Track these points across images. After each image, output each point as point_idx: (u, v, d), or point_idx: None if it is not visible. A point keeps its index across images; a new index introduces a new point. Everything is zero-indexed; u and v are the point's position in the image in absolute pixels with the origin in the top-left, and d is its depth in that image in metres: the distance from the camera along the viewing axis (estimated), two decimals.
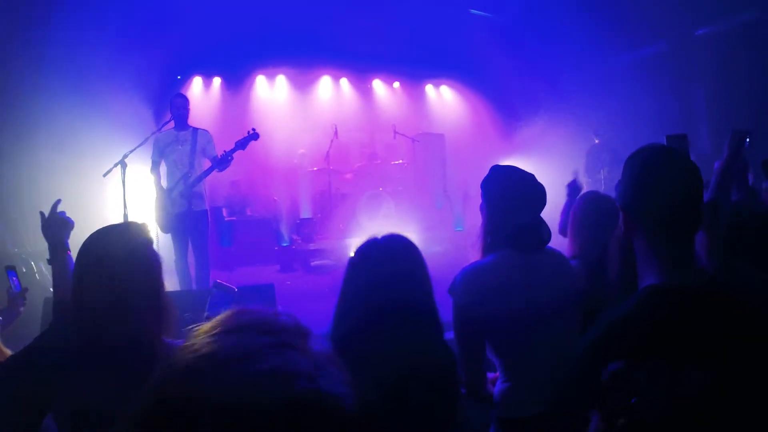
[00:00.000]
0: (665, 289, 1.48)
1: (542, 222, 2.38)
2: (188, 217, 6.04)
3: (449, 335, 2.08)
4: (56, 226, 2.37)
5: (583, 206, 2.99)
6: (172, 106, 6.22)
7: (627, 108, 9.89)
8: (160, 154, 6.18)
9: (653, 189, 1.55)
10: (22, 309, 2.82)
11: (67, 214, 2.38)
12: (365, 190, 9.55)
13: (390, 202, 9.45)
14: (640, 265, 1.58)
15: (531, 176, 2.42)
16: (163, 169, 6.26)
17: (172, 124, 6.20)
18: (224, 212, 9.98)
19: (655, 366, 1.37)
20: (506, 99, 12.30)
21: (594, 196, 3.12)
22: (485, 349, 2.34)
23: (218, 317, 0.71)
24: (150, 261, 1.80)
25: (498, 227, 2.36)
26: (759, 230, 2.19)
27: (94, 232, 1.83)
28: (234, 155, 6.01)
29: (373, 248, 2.06)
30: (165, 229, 6.13)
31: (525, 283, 2.26)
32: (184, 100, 6.29)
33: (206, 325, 0.70)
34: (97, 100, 7.60)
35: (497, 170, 2.48)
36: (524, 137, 11.63)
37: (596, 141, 10.39)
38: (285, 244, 9.81)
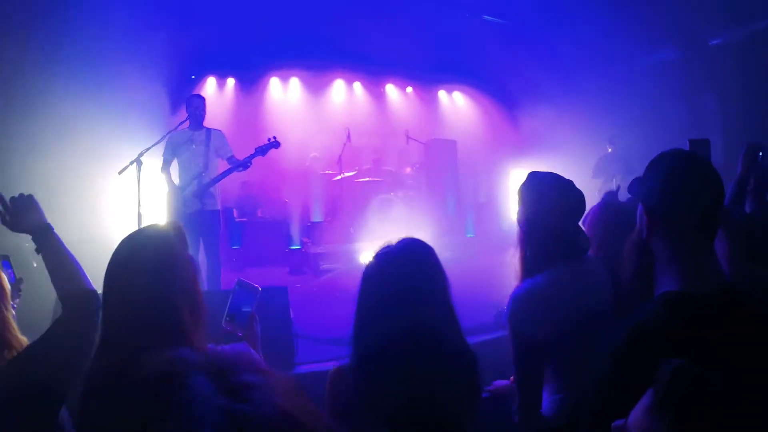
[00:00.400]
0: (686, 296, 1.48)
1: (580, 229, 2.35)
2: (201, 216, 6.05)
3: (471, 339, 2.03)
4: (22, 211, 2.08)
5: (601, 211, 2.97)
6: (189, 106, 6.25)
7: (640, 115, 9.86)
8: (172, 153, 6.21)
9: (680, 193, 1.53)
10: (17, 300, 2.68)
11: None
12: (377, 195, 9.53)
13: (401, 207, 9.42)
14: (659, 269, 1.57)
15: (570, 182, 2.38)
16: (174, 168, 6.29)
17: (187, 123, 6.22)
18: (235, 213, 9.98)
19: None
20: (519, 105, 12.27)
21: (611, 202, 3.11)
22: (543, 373, 2.28)
23: None
24: (187, 265, 1.71)
25: (540, 239, 2.31)
26: None
27: (127, 237, 1.74)
28: (253, 161, 6.05)
29: (388, 258, 1.96)
30: None
31: (577, 294, 2.22)
32: (201, 101, 6.33)
33: None
34: (112, 98, 7.62)
35: (535, 177, 2.43)
36: (537, 143, 11.60)
37: (609, 150, 10.31)
38: (295, 247, 9.79)
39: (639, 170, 1.69)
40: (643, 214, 1.60)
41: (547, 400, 2.31)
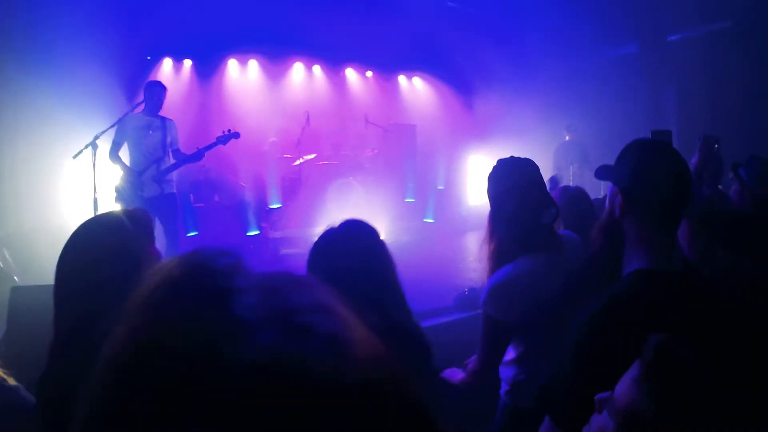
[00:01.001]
0: (657, 273, 1.62)
1: (550, 203, 2.37)
2: (160, 200, 5.99)
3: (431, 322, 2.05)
4: None
5: (561, 200, 3.05)
6: (151, 92, 6.17)
7: (601, 106, 10.06)
8: (123, 137, 6.07)
9: (655, 177, 1.68)
10: None
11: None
12: (335, 179, 9.49)
13: (360, 191, 9.41)
14: (629, 248, 1.70)
15: (528, 161, 2.42)
16: (123, 152, 6.15)
17: (142, 107, 6.09)
18: (191, 198, 9.81)
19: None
20: (479, 92, 12.34)
21: (571, 190, 3.21)
22: (505, 351, 2.37)
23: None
24: (142, 256, 1.65)
25: (511, 226, 2.34)
26: (731, 226, 2.28)
27: (80, 225, 1.67)
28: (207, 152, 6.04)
29: (331, 239, 1.98)
30: None
31: (551, 279, 2.28)
32: (163, 90, 6.29)
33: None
34: (66, 80, 7.41)
35: (502, 164, 2.44)
36: (494, 129, 11.71)
37: (567, 137, 10.49)
38: (254, 233, 9.69)
39: (596, 158, 1.74)
40: (616, 196, 1.72)
41: (513, 377, 2.38)
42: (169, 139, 6.14)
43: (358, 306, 1.80)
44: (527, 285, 2.26)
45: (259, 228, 9.70)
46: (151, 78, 9.34)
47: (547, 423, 1.63)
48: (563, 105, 10.59)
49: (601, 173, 1.87)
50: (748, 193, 3.43)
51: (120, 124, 6.03)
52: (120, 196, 5.94)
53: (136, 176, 5.96)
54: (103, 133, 5.57)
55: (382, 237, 2.06)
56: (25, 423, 1.73)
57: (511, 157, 2.44)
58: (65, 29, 7.56)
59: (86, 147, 5.44)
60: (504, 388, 2.45)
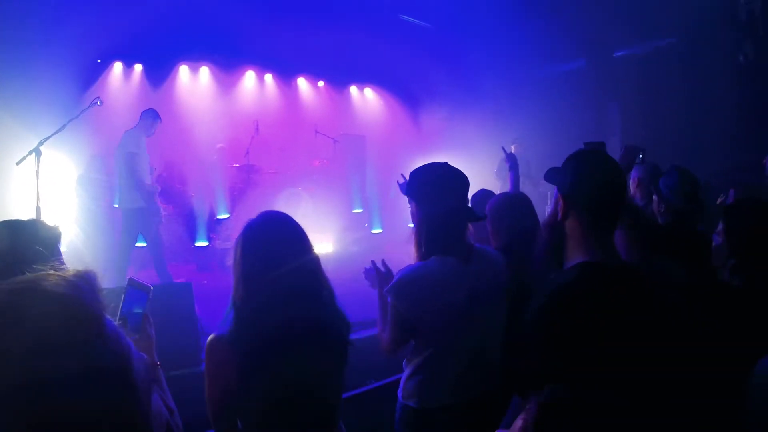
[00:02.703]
0: (597, 266, 1.82)
1: (468, 211, 2.55)
2: (147, 212, 6.79)
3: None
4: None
5: (501, 206, 3.21)
6: (155, 120, 7.06)
7: (545, 119, 10.30)
8: None
9: (593, 183, 1.90)
10: None
11: None
12: (284, 189, 9.49)
13: (308, 201, 9.44)
14: (570, 246, 1.91)
15: (446, 165, 2.58)
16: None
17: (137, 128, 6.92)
18: None
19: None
20: (428, 104, 12.52)
21: (510, 197, 3.38)
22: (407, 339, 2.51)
23: None
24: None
25: (430, 226, 2.49)
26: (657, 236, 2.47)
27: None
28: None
29: (252, 229, 2.10)
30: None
31: (458, 284, 2.42)
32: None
33: None
34: (10, 82, 7.23)
35: (418, 171, 2.60)
36: (443, 140, 11.90)
37: (512, 149, 10.72)
38: (202, 243, 9.61)
39: (537, 171, 1.93)
40: (559, 200, 1.94)
41: (411, 379, 2.51)
42: None
43: (285, 285, 1.88)
44: (432, 283, 2.40)
45: (208, 239, 9.61)
46: (101, 81, 9.30)
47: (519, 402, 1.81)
48: (510, 118, 10.81)
49: (549, 177, 2.07)
50: (663, 204, 3.54)
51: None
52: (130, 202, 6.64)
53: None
54: (47, 139, 5.35)
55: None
56: None
57: (445, 164, 2.59)
58: (12, 29, 7.40)
59: (29, 153, 5.26)
60: (407, 391, 2.52)
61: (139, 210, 6.65)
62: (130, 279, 2.00)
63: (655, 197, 3.69)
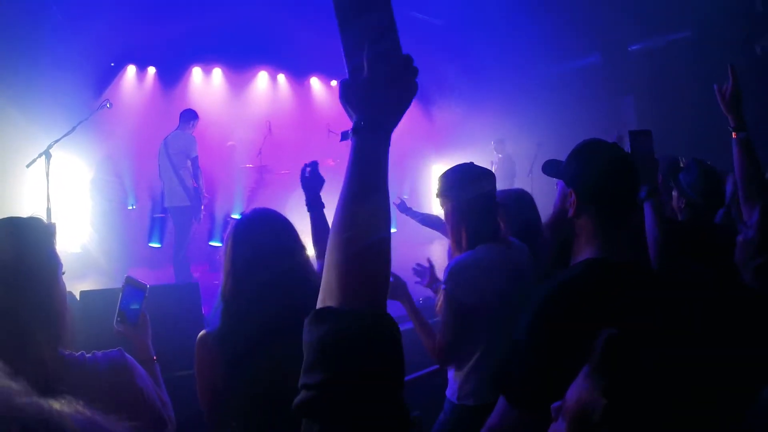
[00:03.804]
0: (607, 262, 1.70)
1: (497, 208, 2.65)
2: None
3: None
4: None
5: (509, 201, 3.17)
6: (196, 120, 7.57)
7: (560, 116, 10.21)
8: None
9: (608, 177, 1.79)
10: None
11: None
12: (296, 189, 9.45)
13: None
14: (580, 243, 1.78)
15: (473, 164, 2.72)
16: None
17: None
18: (153, 208, 9.71)
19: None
20: (441, 102, 12.45)
21: (512, 191, 3.35)
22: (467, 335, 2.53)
23: None
24: (42, 263, 1.64)
25: (472, 218, 2.59)
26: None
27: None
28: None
29: (244, 224, 2.14)
30: None
31: (506, 269, 2.52)
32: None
33: None
34: (23, 84, 7.28)
35: (450, 172, 2.70)
36: (458, 138, 11.83)
37: (493, 152, 10.81)
38: (216, 243, 9.62)
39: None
40: (570, 195, 1.80)
41: (464, 376, 2.52)
42: None
43: (273, 281, 1.85)
44: (485, 268, 2.48)
45: (222, 239, 9.60)
46: (114, 84, 9.37)
47: (503, 406, 1.68)
48: (524, 116, 10.73)
49: (550, 170, 1.97)
50: (683, 199, 3.27)
51: None
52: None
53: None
54: (56, 141, 5.38)
55: None
56: None
57: (472, 163, 2.71)
58: (27, 34, 7.46)
59: (39, 156, 5.29)
60: (463, 391, 2.53)
61: (187, 208, 7.30)
62: (128, 277, 2.07)
63: (674, 193, 3.44)
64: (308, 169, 2.97)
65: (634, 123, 10.76)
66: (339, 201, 0.98)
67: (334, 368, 0.84)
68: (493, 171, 2.88)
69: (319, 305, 0.89)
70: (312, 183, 2.95)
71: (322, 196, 2.98)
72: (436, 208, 3.01)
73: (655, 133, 3.76)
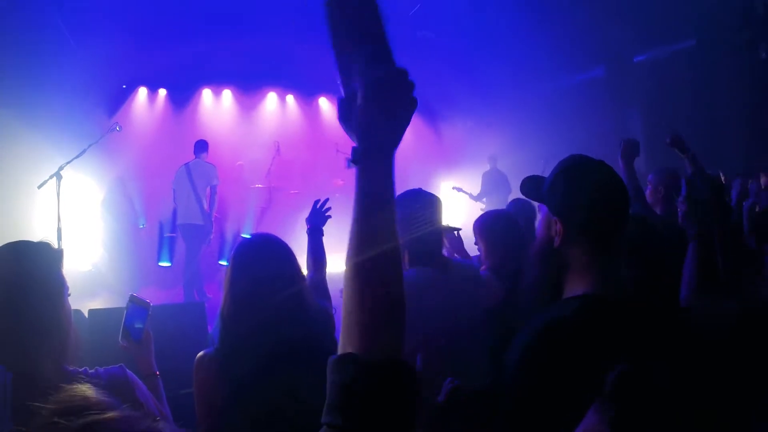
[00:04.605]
0: (604, 300, 1.50)
1: (440, 234, 2.70)
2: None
3: None
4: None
5: (492, 224, 3.19)
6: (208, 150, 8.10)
7: (565, 129, 10.22)
8: None
9: (598, 204, 1.57)
10: None
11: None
12: (305, 209, 9.49)
13: (329, 221, 9.40)
14: (572, 275, 1.58)
15: (419, 190, 2.74)
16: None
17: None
18: (163, 228, 9.78)
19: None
20: (448, 118, 12.51)
21: (500, 214, 3.35)
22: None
23: None
24: (48, 284, 1.71)
25: (408, 244, 2.58)
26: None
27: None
28: None
29: (246, 248, 2.18)
30: None
31: (435, 290, 2.48)
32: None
33: None
34: (36, 106, 7.39)
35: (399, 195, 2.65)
36: (465, 153, 11.88)
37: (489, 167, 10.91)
38: (224, 263, 9.65)
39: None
40: (555, 224, 1.59)
41: None
42: None
43: (272, 305, 1.89)
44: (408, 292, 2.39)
45: (229, 259, 9.64)
46: (125, 106, 9.50)
47: None
48: (530, 128, 10.75)
49: (530, 191, 1.77)
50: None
51: None
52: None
53: None
54: (68, 163, 5.48)
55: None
56: None
57: (419, 189, 2.75)
58: (36, 54, 7.58)
59: (51, 177, 5.38)
60: None
61: (200, 227, 7.81)
62: (132, 296, 2.12)
63: (680, 210, 3.31)
64: (318, 205, 3.17)
65: (641, 134, 10.75)
66: (349, 245, 1.00)
67: (355, 417, 0.88)
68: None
69: (340, 350, 0.93)
70: (318, 218, 3.17)
71: (331, 213, 3.26)
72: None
73: (663, 144, 3.76)
